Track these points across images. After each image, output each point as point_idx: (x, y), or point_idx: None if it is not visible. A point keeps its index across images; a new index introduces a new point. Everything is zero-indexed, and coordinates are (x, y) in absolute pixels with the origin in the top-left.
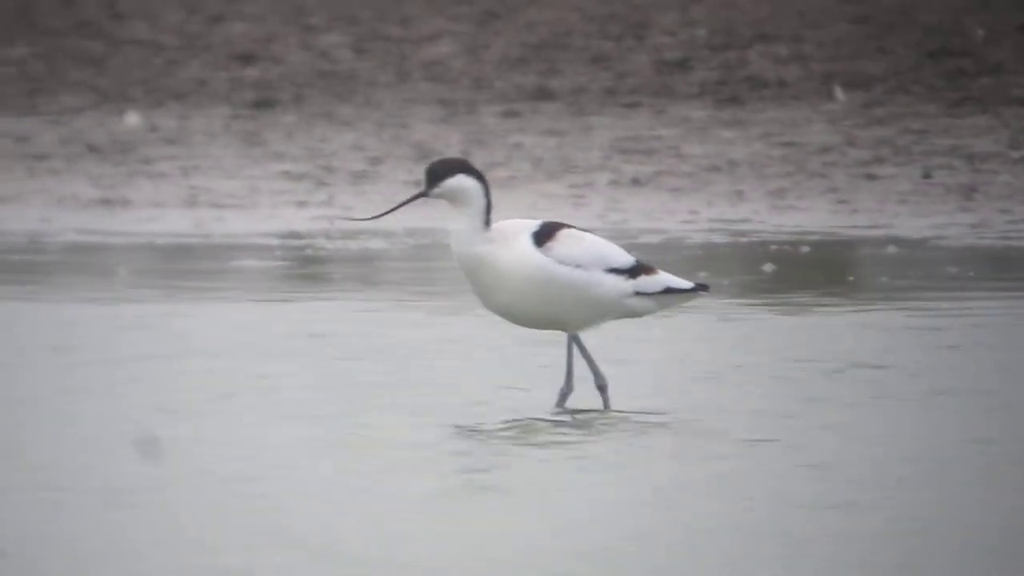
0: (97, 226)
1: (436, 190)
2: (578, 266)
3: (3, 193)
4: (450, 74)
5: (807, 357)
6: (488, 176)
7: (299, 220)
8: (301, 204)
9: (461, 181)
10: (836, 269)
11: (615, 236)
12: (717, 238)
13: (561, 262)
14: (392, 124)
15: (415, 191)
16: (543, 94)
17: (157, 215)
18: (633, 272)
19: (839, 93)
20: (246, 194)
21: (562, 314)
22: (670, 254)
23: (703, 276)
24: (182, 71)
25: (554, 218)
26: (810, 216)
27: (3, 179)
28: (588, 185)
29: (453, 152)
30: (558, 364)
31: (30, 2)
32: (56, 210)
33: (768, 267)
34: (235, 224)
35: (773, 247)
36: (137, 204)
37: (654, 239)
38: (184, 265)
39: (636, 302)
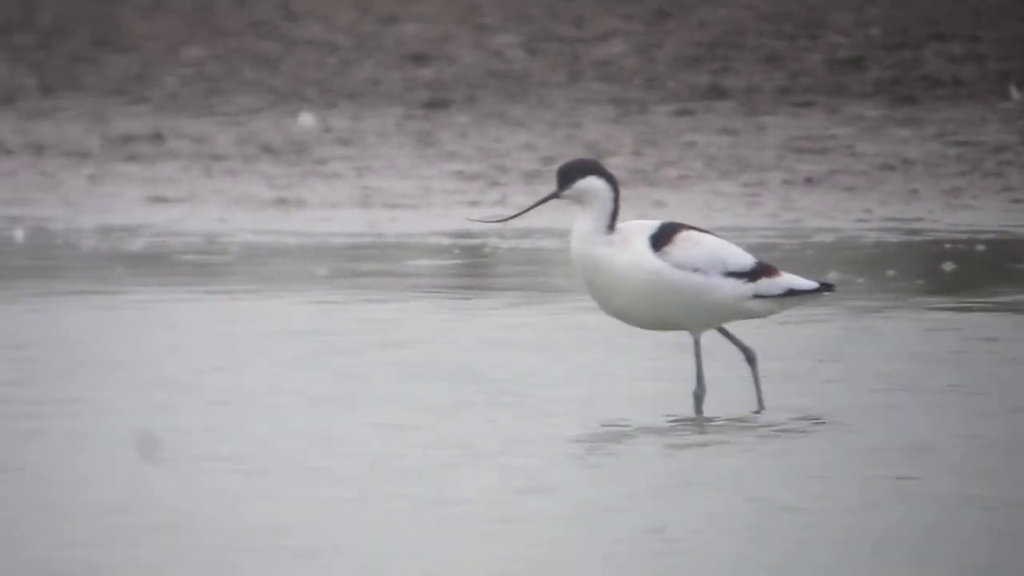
0: (272, 226)
1: (568, 191)
2: (695, 270)
3: (181, 194)
4: (622, 74)
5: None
6: (660, 175)
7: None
8: (473, 203)
9: (592, 183)
10: (1014, 268)
11: (789, 235)
12: (891, 237)
13: (678, 266)
14: (564, 124)
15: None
16: (716, 93)
17: (331, 215)
18: (753, 275)
19: (1015, 92)
20: (419, 194)
21: (678, 317)
22: (843, 253)
23: (884, 274)
24: (356, 71)
25: (728, 217)
26: (984, 215)
27: (181, 179)
28: (761, 184)
29: (626, 152)
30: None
31: (207, 4)
32: (232, 210)
33: (948, 266)
34: (408, 224)
35: (948, 246)
36: (311, 205)
37: (828, 238)
38: (359, 265)
39: (756, 304)
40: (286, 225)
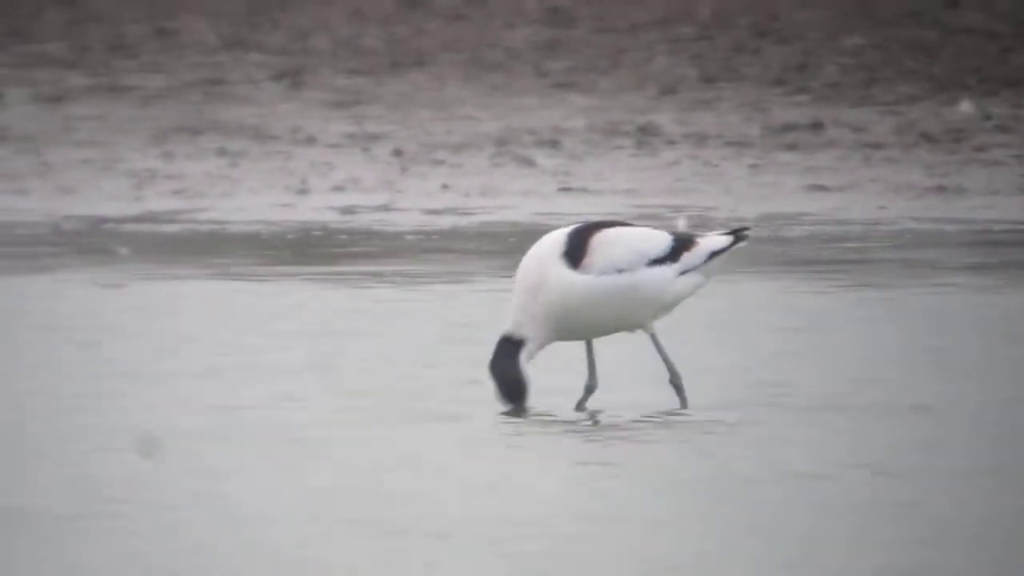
0: (931, 214)
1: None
2: (620, 271)
3: (840, 182)
4: None
5: None
6: None
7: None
8: None
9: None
10: None
11: None
12: None
13: (602, 273)
14: None
15: None
16: None
17: (991, 203)
18: (674, 253)
19: None
20: None
21: (623, 320)
22: None
23: None
24: (1016, 59)
25: None
26: None
27: (840, 168)
28: None
29: None
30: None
31: None
32: (891, 198)
33: None
34: None
35: None
36: (971, 192)
37: None
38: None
39: (685, 281)
40: (945, 213)
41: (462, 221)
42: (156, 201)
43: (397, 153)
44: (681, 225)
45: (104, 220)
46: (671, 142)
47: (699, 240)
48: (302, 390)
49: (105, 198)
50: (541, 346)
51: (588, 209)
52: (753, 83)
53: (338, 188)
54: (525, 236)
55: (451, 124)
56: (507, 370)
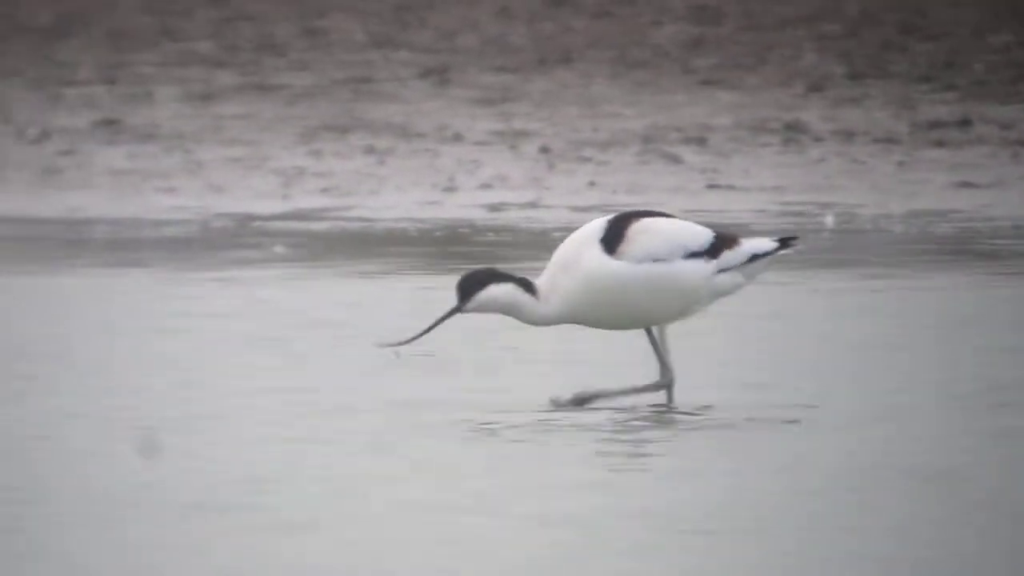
0: None
1: (469, 305)
2: (656, 260)
3: (988, 179)
4: None
5: None
6: None
7: None
8: None
9: (491, 292)
10: None
11: None
12: None
13: (637, 261)
14: None
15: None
16: None
17: None
18: (714, 250)
19: None
20: None
21: (650, 313)
22: None
23: None
24: None
25: None
26: None
27: (988, 165)
28: None
29: None
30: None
31: None
32: None
33: None
34: None
35: None
36: None
37: None
38: None
39: (723, 279)
40: None
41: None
42: (304, 199)
43: (544, 150)
44: (829, 223)
45: (253, 218)
46: (818, 139)
47: (742, 240)
48: (458, 385)
49: (254, 196)
50: (546, 319)
51: (734, 206)
52: (900, 80)
53: (485, 185)
54: None
55: (598, 121)
56: (491, 275)
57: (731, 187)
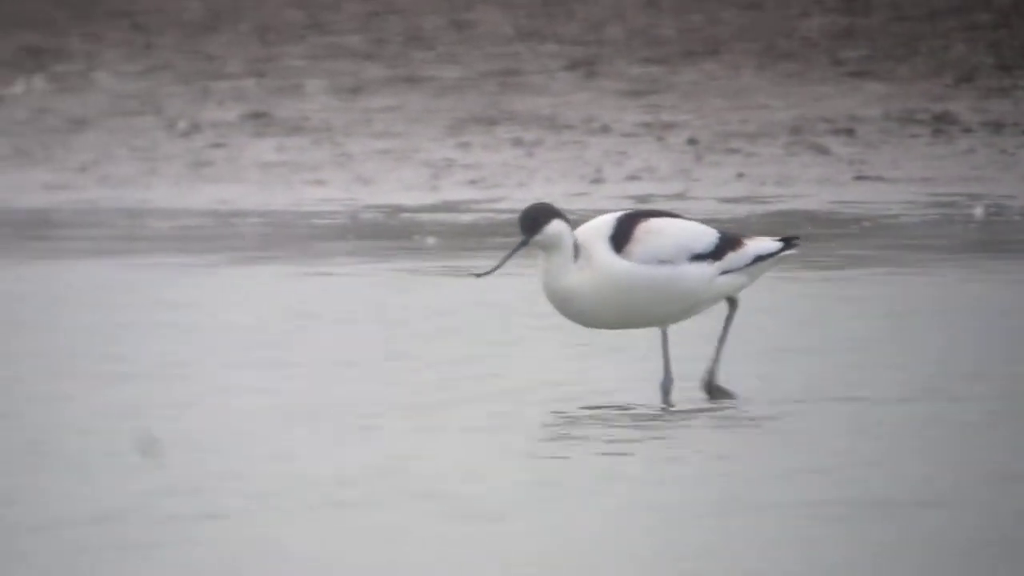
0: None
1: (537, 237)
2: (662, 262)
3: None
4: None
5: None
6: None
7: None
8: None
9: (557, 227)
10: None
11: None
12: None
13: (643, 262)
14: None
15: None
16: None
17: None
18: (718, 252)
19: None
20: None
21: (652, 313)
22: None
23: None
24: None
25: None
26: None
27: None
28: None
29: None
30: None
31: None
32: None
33: None
34: None
35: None
36: None
37: None
38: None
39: (726, 280)
40: None
41: (757, 209)
42: (452, 190)
43: (692, 142)
44: (978, 214)
45: (401, 209)
46: (967, 130)
47: (746, 242)
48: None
49: (402, 188)
50: (571, 285)
51: (883, 197)
52: None
53: (632, 177)
54: (820, 225)
55: (745, 113)
56: (555, 210)
57: (879, 178)
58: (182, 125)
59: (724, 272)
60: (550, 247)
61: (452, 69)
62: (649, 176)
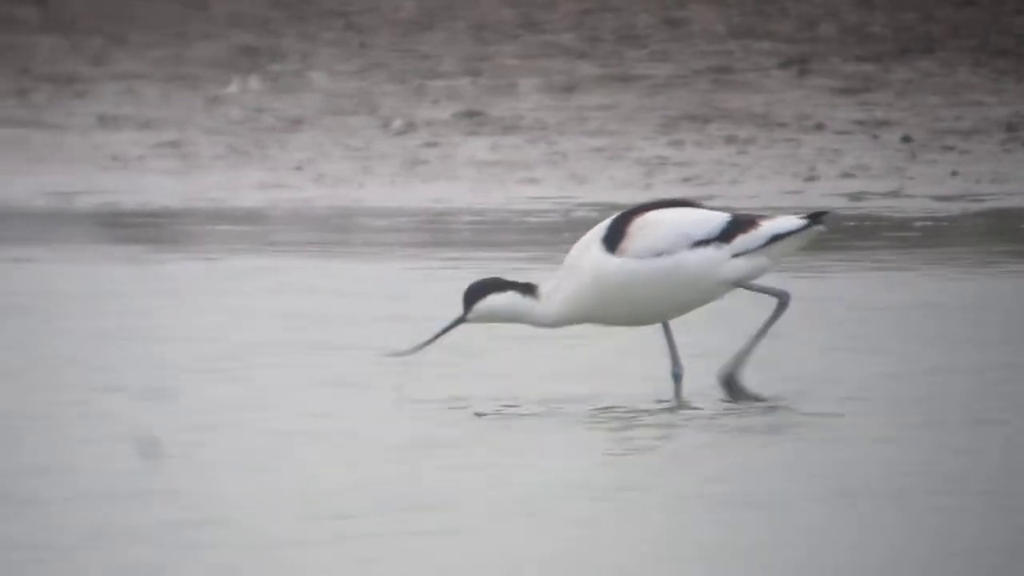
0: None
1: (469, 316)
2: (658, 254)
3: None
4: None
5: None
6: None
7: None
8: None
9: (490, 302)
10: None
11: None
12: None
13: (638, 257)
14: None
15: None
16: None
17: None
18: (726, 235)
19: None
20: None
21: (661, 308)
22: None
23: None
24: None
25: None
26: None
27: None
28: None
29: None
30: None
31: None
32: None
33: None
34: None
35: None
36: None
37: None
38: None
39: (740, 264)
40: None
41: (972, 207)
42: (665, 188)
43: (906, 139)
44: None
45: (615, 208)
46: None
47: (761, 222)
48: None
49: (615, 186)
50: (550, 320)
51: None
52: None
53: (846, 175)
54: None
55: (960, 110)
56: (492, 284)
57: None
58: (396, 124)
59: (737, 255)
60: (492, 319)
61: (665, 67)
62: (863, 174)
